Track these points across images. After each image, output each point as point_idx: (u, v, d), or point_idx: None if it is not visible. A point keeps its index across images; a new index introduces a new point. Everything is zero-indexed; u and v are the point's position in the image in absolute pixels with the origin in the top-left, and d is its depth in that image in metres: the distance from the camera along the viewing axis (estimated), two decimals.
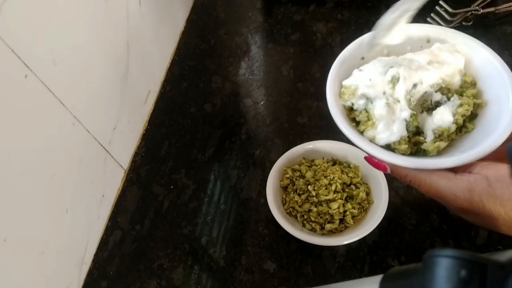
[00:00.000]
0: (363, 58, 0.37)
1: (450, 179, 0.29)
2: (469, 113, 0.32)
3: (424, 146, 0.32)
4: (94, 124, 0.52)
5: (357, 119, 0.35)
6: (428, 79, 0.32)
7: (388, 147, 0.33)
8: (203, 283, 0.51)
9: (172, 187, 0.60)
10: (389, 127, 0.32)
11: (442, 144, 0.31)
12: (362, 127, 0.34)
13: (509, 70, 0.31)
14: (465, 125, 0.32)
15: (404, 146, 0.32)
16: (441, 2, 0.70)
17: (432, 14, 0.71)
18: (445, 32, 0.36)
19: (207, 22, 0.83)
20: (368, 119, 0.33)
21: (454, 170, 0.30)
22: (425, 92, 0.32)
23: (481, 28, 0.70)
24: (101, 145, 0.55)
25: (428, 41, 0.36)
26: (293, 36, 0.77)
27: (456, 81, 0.33)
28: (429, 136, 0.32)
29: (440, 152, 0.32)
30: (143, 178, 0.62)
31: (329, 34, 0.75)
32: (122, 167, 0.61)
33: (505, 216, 0.27)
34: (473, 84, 0.33)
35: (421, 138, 0.33)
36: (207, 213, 0.57)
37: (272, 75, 0.71)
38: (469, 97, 0.32)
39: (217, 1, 0.86)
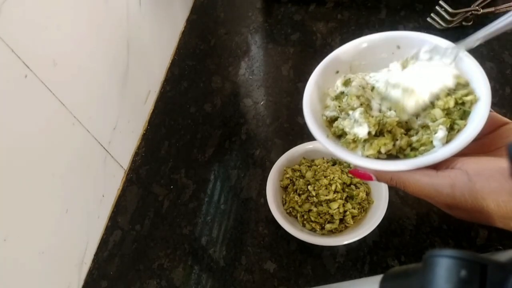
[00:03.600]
0: (337, 72, 0.38)
1: (432, 176, 0.29)
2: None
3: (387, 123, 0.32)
4: (94, 124, 0.52)
5: (340, 132, 0.36)
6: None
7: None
8: (203, 283, 0.51)
9: (172, 187, 0.60)
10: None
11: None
12: (350, 146, 0.35)
13: (476, 61, 0.33)
14: (457, 122, 0.32)
15: (371, 151, 0.32)
16: (441, 2, 0.70)
17: (432, 14, 0.71)
18: (412, 36, 0.36)
19: (207, 22, 0.83)
20: (354, 141, 0.34)
21: (436, 167, 0.30)
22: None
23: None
24: (101, 145, 0.55)
25: (398, 47, 0.37)
26: (293, 36, 0.77)
27: (450, 83, 0.33)
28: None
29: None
30: (143, 178, 0.62)
31: (329, 34, 0.75)
32: (122, 167, 0.61)
33: (488, 209, 0.26)
34: (466, 85, 0.34)
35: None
36: (207, 213, 0.57)
37: (272, 75, 0.71)
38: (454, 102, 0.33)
39: (217, 1, 0.86)
